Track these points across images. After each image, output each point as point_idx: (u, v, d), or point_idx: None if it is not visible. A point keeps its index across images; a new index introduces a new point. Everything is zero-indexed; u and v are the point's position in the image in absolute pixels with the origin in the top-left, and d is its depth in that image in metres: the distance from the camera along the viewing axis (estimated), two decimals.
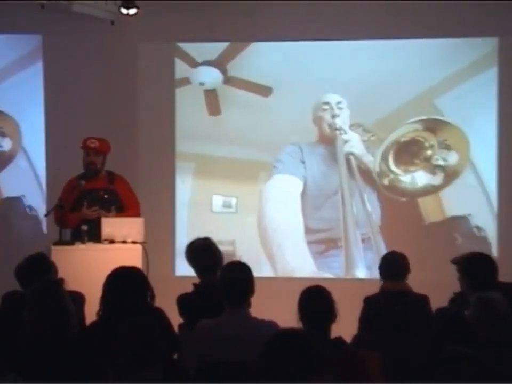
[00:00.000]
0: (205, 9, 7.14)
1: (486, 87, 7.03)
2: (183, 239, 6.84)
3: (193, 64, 7.44)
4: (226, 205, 7.41)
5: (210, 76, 7.39)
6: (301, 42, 7.22)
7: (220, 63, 7.39)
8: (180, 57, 7.44)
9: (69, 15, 7.05)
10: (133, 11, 6.87)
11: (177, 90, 7.44)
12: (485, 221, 7.04)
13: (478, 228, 7.02)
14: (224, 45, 7.35)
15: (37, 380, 3.20)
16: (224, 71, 7.39)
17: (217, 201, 7.42)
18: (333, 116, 7.24)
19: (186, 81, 7.44)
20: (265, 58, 7.33)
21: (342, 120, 7.22)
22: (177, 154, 7.47)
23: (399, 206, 7.17)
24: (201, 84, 7.39)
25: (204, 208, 7.42)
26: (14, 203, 7.59)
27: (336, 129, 7.23)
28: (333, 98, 7.25)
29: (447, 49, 7.07)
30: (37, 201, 7.52)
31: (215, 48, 7.38)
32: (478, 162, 7.05)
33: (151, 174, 7.35)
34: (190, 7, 7.12)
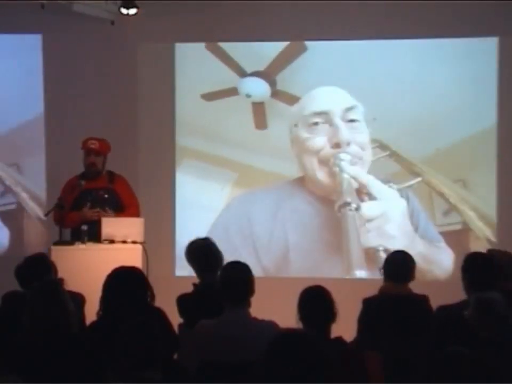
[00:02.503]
0: (205, 9, 7.13)
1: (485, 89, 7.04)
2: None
3: (242, 73, 7.30)
4: None
5: (259, 89, 7.25)
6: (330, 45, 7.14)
7: (268, 75, 7.27)
8: (226, 63, 7.30)
9: (69, 15, 7.05)
10: (133, 11, 6.88)
11: (220, 101, 7.29)
12: None
13: None
14: (272, 54, 7.20)
15: (37, 380, 3.20)
16: (273, 83, 7.23)
17: None
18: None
19: (234, 91, 7.28)
20: (315, 68, 7.17)
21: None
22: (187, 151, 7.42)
23: None
24: (248, 96, 7.22)
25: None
26: None
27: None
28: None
29: (448, 49, 7.07)
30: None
31: (264, 56, 7.24)
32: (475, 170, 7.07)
33: (151, 174, 7.35)
34: (190, 7, 7.12)
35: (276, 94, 7.25)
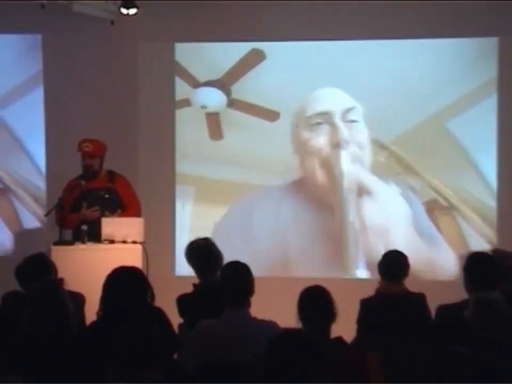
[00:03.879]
0: (205, 9, 7.13)
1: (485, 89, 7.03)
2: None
3: (195, 84, 7.22)
4: None
5: (213, 99, 7.14)
6: (308, 66, 7.15)
7: (223, 84, 7.19)
8: (180, 76, 7.28)
9: (69, 15, 7.05)
10: (133, 11, 6.87)
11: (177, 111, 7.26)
12: None
13: None
14: (228, 64, 7.16)
15: (37, 380, 3.20)
16: (228, 93, 7.14)
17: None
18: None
19: (186, 103, 7.19)
20: (271, 79, 7.12)
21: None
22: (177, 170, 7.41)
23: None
24: (203, 107, 7.12)
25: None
26: None
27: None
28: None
29: (448, 49, 7.07)
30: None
31: (218, 67, 7.20)
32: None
33: (151, 174, 7.35)
34: (190, 7, 7.12)
35: (232, 103, 7.18)
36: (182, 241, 6.82)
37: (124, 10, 6.87)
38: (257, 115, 7.10)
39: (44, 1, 6.83)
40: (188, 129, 7.35)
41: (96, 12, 7.06)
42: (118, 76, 7.36)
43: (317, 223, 7.17)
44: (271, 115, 7.10)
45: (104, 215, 5.98)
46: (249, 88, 7.18)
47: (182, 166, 7.41)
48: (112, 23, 7.16)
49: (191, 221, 7.33)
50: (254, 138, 7.18)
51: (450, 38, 6.98)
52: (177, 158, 7.42)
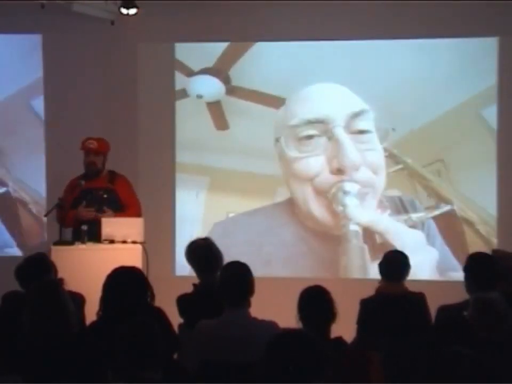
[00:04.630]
0: (205, 9, 7.13)
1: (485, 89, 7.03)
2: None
3: (189, 73, 6.82)
4: None
5: (209, 87, 6.44)
6: (310, 47, 7.02)
7: (219, 71, 6.72)
8: (175, 67, 7.13)
9: (69, 15, 7.05)
10: (133, 11, 6.88)
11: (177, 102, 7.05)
12: None
13: None
14: (222, 48, 6.82)
15: (37, 380, 3.20)
16: (227, 80, 6.43)
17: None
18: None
19: (183, 93, 6.74)
20: (272, 61, 6.54)
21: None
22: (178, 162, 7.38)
23: None
24: (199, 96, 6.42)
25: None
26: None
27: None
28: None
29: (448, 49, 7.07)
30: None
31: (213, 52, 6.88)
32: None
33: (151, 174, 7.35)
34: (190, 7, 7.11)
35: (232, 91, 6.43)
36: (191, 230, 6.58)
37: (123, 10, 6.88)
38: (261, 102, 6.19)
39: (44, 1, 6.83)
40: (188, 121, 6.99)
41: (96, 12, 7.06)
42: (118, 76, 7.36)
43: (309, 262, 6.53)
44: (275, 101, 6.17)
45: (103, 211, 5.98)
46: (250, 74, 6.45)
47: (183, 160, 7.37)
48: (112, 23, 7.16)
49: (204, 211, 6.76)
50: (257, 126, 6.34)
51: (450, 38, 6.98)
52: (177, 153, 7.41)
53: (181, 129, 7.42)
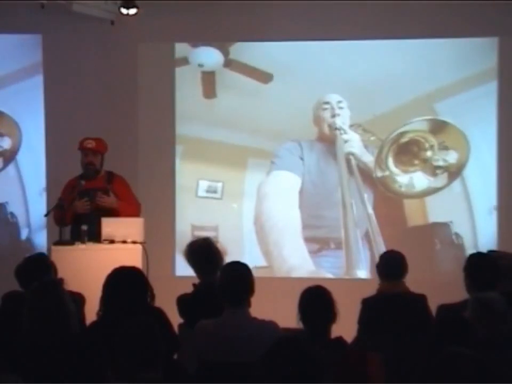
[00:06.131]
0: (205, 9, 7.13)
1: (486, 89, 7.03)
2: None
3: (194, 44, 7.30)
4: (212, 190, 7.30)
5: (211, 58, 7.18)
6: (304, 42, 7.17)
7: (222, 45, 7.27)
8: (180, 38, 7.34)
9: (69, 15, 7.06)
10: (133, 11, 6.88)
11: (177, 70, 7.31)
12: (465, 229, 7.04)
13: (457, 235, 7.03)
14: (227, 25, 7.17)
15: (37, 380, 3.20)
16: (226, 54, 7.19)
17: (203, 186, 7.32)
18: (333, 116, 7.20)
19: (185, 61, 7.24)
20: (268, 46, 7.21)
21: (342, 120, 7.18)
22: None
23: (395, 206, 7.18)
24: (200, 65, 7.15)
25: (189, 192, 7.35)
26: None
27: (336, 128, 7.19)
28: (333, 98, 7.19)
29: (447, 49, 7.07)
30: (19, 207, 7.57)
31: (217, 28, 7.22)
32: (473, 166, 7.06)
33: (151, 174, 7.35)
34: (190, 7, 7.12)
35: (228, 63, 7.21)
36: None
37: (123, 10, 6.88)
38: (251, 76, 7.12)
39: (44, 1, 6.84)
40: (188, 122, 7.39)
41: (96, 12, 7.06)
42: (118, 76, 7.36)
43: (315, 220, 7.17)
44: (264, 77, 7.12)
45: (97, 205, 5.97)
46: (245, 50, 7.24)
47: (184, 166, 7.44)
48: (112, 23, 7.17)
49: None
50: (247, 99, 7.19)
51: (450, 38, 6.98)
52: (177, 152, 7.42)
53: (181, 129, 7.44)
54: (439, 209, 7.09)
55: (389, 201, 7.18)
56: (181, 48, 7.36)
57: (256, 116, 7.21)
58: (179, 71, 7.34)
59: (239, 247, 7.14)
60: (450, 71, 7.06)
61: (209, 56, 7.15)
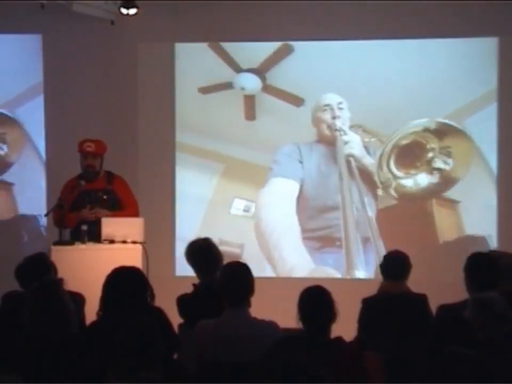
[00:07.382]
0: (204, 9, 7.14)
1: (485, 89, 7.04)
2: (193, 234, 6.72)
3: (237, 69, 7.48)
4: (246, 209, 7.47)
5: (252, 83, 7.49)
6: (314, 46, 7.25)
7: (260, 71, 7.46)
8: (225, 60, 7.44)
9: (69, 15, 7.06)
10: (133, 11, 6.88)
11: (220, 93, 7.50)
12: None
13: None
14: (263, 53, 7.37)
15: (37, 380, 3.20)
16: (263, 79, 7.48)
17: (239, 204, 7.48)
18: (333, 117, 7.22)
19: (229, 85, 7.52)
20: (299, 70, 7.41)
21: (342, 121, 7.20)
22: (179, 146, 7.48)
23: (397, 208, 7.18)
24: (243, 89, 7.50)
25: (223, 208, 7.45)
26: None
27: (336, 130, 7.21)
28: (333, 99, 7.22)
29: (448, 49, 7.07)
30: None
31: (256, 56, 7.41)
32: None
33: (151, 174, 7.35)
34: (190, 7, 7.12)
35: (265, 88, 7.43)
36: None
37: (123, 10, 6.88)
38: (285, 100, 7.43)
39: (44, 1, 6.84)
40: (189, 120, 7.49)
41: (96, 12, 7.06)
42: (118, 76, 7.37)
43: (316, 221, 7.21)
44: (297, 100, 7.41)
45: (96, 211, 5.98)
46: (280, 76, 7.46)
47: (184, 159, 7.45)
48: (112, 23, 7.17)
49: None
50: (281, 122, 7.47)
51: (450, 38, 6.98)
52: (177, 152, 7.41)
53: (181, 128, 7.44)
54: (443, 213, 7.10)
55: (389, 203, 7.18)
56: (226, 75, 7.46)
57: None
58: (221, 94, 7.51)
59: (261, 267, 7.11)
60: (451, 71, 7.06)
61: (251, 81, 7.51)
